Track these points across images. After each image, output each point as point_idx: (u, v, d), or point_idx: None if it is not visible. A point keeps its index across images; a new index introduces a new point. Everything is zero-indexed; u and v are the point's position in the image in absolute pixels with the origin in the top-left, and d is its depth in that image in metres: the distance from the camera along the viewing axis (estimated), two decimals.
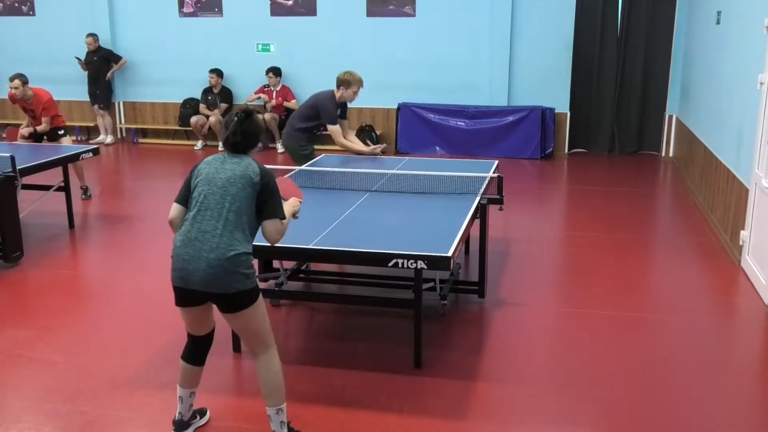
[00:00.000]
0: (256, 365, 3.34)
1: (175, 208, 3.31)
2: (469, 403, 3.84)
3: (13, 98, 7.87)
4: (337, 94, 6.37)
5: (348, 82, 6.32)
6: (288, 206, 3.49)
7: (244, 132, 3.27)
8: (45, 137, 8.02)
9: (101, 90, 11.61)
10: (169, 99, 11.79)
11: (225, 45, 11.41)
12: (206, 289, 3.16)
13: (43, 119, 7.84)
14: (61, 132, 8.10)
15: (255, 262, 3.36)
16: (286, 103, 11.00)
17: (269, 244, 3.34)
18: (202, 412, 3.66)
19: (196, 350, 3.45)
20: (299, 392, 3.93)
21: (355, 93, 6.41)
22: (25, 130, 7.96)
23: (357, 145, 6.80)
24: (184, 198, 3.30)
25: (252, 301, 3.22)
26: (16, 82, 7.62)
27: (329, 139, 11.14)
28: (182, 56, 11.57)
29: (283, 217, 3.29)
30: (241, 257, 3.14)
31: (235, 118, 3.26)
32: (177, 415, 3.51)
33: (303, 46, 11.18)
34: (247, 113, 3.30)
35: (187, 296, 3.28)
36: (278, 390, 3.34)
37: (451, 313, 5.00)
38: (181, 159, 10.75)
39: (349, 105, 6.61)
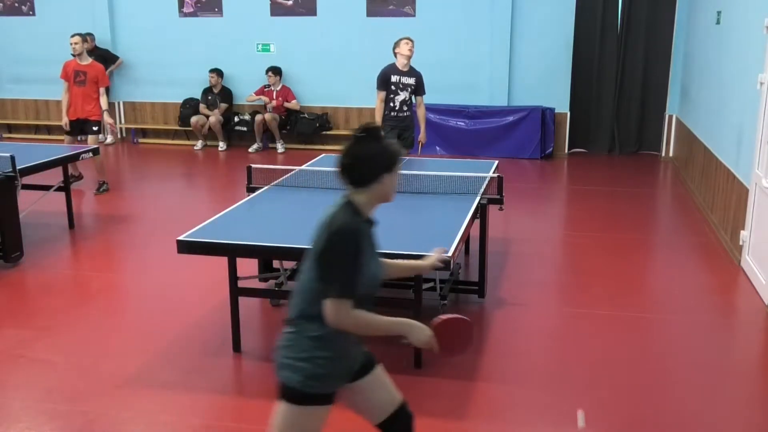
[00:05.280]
0: None
1: None
2: (469, 403, 3.84)
3: (66, 70, 8.01)
4: (397, 64, 6.79)
5: (396, 42, 6.80)
6: (417, 330, 2.48)
7: (354, 155, 2.42)
8: (81, 131, 8.10)
9: None
10: (169, 99, 11.78)
11: (225, 45, 11.40)
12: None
13: (101, 88, 8.01)
14: (96, 128, 8.14)
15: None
16: (286, 104, 10.99)
17: (268, 244, 3.22)
18: None
19: None
20: None
21: (407, 44, 6.76)
22: (65, 119, 8.10)
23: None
24: None
25: (288, 402, 2.44)
26: (77, 38, 7.97)
27: (329, 139, 11.23)
28: (182, 56, 11.56)
29: (332, 295, 2.34)
30: (291, 345, 2.44)
31: (354, 137, 2.44)
32: None
33: (303, 46, 11.18)
34: (368, 130, 2.44)
35: None
36: None
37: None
38: (181, 159, 10.75)
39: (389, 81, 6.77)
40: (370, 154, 2.41)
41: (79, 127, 8.14)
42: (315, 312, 2.38)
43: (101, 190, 8.34)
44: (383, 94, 6.77)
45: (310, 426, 2.46)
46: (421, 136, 7.04)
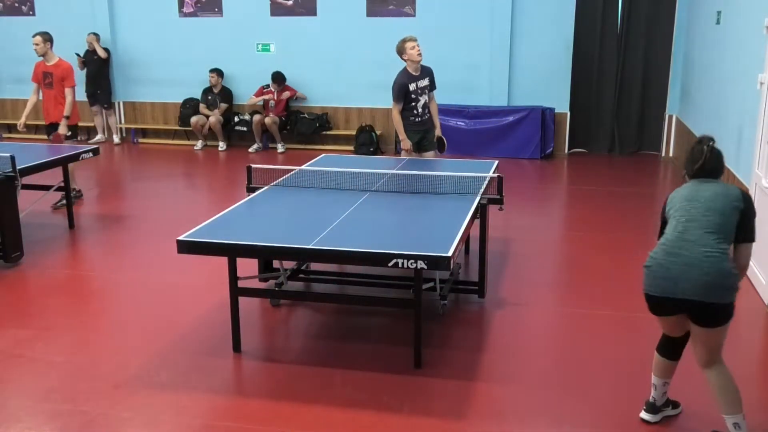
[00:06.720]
0: (707, 376, 3.42)
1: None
2: (469, 403, 3.84)
3: (36, 72, 7.61)
4: (409, 69, 6.46)
5: (401, 47, 6.41)
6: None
7: (716, 158, 3.40)
8: (48, 135, 7.69)
9: (102, 90, 11.58)
10: (169, 99, 11.78)
11: (225, 45, 11.40)
12: (695, 296, 3.22)
13: (66, 89, 7.48)
14: (69, 134, 7.66)
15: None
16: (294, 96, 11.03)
17: (268, 244, 3.26)
18: (675, 404, 3.75)
19: (669, 346, 3.57)
20: (299, 392, 3.93)
21: (413, 48, 6.38)
22: (22, 122, 7.71)
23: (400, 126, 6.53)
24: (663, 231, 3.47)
25: (727, 320, 3.28)
26: (38, 38, 7.41)
27: (329, 139, 11.24)
28: (182, 56, 11.56)
29: (752, 240, 3.32)
30: (733, 270, 3.22)
31: (705, 147, 3.37)
32: (650, 399, 3.66)
33: (303, 46, 11.18)
34: (712, 141, 3.42)
35: (666, 305, 3.35)
36: (732, 398, 3.38)
37: (451, 313, 5.00)
38: (181, 159, 10.75)
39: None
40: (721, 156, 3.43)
41: (53, 132, 7.66)
42: (727, 246, 3.25)
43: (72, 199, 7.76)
44: (401, 105, 6.42)
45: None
46: (438, 132, 6.72)
